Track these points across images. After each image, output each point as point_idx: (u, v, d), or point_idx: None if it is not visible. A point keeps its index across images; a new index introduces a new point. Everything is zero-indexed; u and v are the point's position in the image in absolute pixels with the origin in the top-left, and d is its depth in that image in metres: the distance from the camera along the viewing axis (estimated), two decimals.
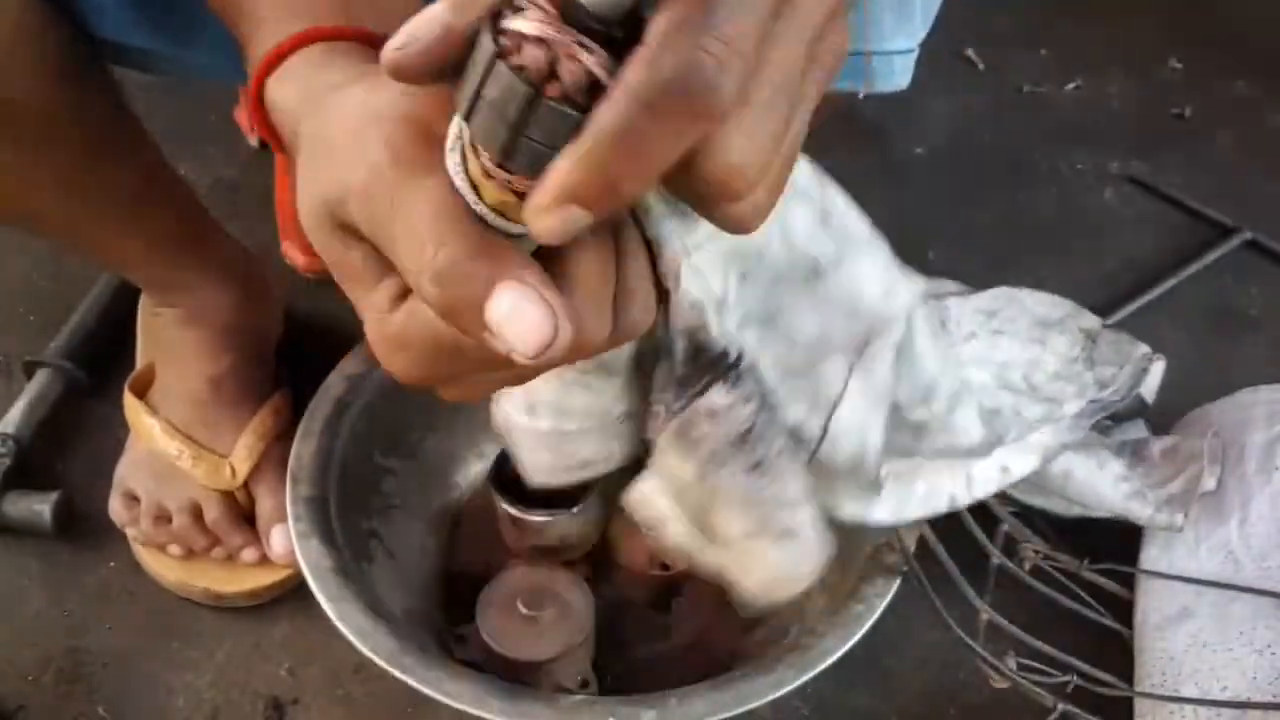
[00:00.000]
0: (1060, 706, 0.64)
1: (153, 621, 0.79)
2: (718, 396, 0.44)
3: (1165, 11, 1.35)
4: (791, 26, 0.29)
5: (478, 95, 0.29)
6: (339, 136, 0.34)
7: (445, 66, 0.30)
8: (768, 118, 0.29)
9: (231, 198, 1.08)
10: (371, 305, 0.35)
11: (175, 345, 0.81)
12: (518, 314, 0.30)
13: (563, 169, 0.28)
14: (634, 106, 0.27)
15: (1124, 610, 0.73)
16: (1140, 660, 0.70)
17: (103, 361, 0.92)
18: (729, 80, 0.27)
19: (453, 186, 0.31)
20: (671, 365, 0.44)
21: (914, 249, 1.05)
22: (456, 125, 0.31)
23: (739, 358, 0.44)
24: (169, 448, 0.79)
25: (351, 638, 0.62)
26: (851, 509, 0.58)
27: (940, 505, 0.64)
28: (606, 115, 0.27)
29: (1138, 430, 0.82)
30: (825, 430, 0.50)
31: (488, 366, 0.35)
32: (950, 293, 0.77)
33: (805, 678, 0.61)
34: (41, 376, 0.90)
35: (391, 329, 0.34)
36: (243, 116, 1.12)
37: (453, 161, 0.31)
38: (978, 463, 0.65)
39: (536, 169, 0.29)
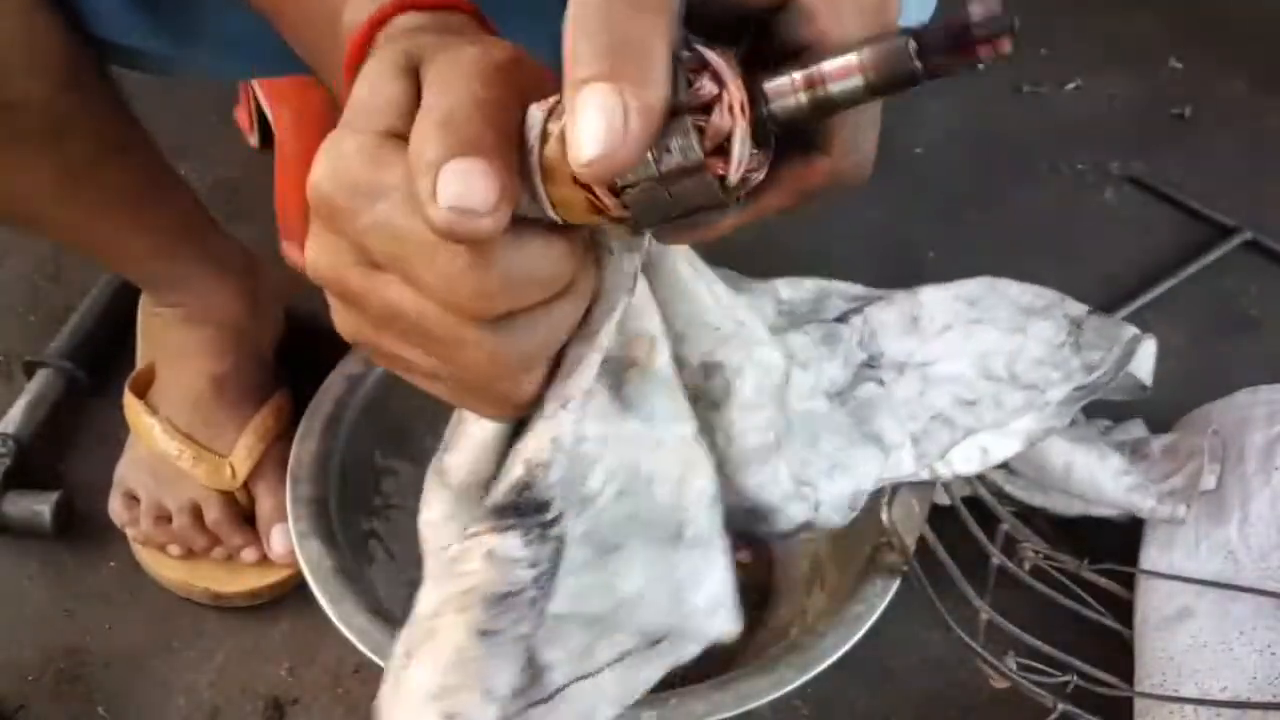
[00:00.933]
0: (1060, 706, 0.64)
1: (153, 621, 0.79)
2: (511, 543, 0.40)
3: (1165, 11, 1.35)
4: None
5: (659, 157, 0.30)
6: (472, 34, 0.36)
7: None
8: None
9: (231, 198, 1.08)
10: (368, 229, 0.33)
11: (175, 345, 0.81)
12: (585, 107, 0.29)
13: (728, 223, 0.36)
14: (784, 200, 0.36)
15: (1124, 610, 0.73)
16: (1140, 660, 0.70)
17: (103, 361, 0.92)
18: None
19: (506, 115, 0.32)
20: (495, 490, 0.40)
21: (913, 249, 1.05)
22: (536, 118, 0.32)
23: (555, 519, 0.41)
24: (169, 448, 0.79)
25: (352, 638, 0.62)
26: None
27: (921, 474, 0.65)
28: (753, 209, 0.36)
29: (1138, 430, 0.82)
30: (559, 689, 0.47)
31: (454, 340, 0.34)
32: (927, 285, 0.77)
33: (805, 678, 0.61)
34: (42, 376, 0.90)
35: (375, 286, 0.34)
36: (243, 116, 1.12)
37: (534, 136, 0.32)
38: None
39: (640, 207, 0.31)
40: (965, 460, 0.68)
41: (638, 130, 0.29)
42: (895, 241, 1.06)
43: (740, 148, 0.30)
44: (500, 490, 0.40)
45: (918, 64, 0.29)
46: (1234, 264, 1.04)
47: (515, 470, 0.39)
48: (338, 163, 0.32)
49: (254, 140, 1.12)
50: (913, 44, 0.29)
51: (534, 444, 0.39)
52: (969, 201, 1.11)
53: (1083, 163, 1.16)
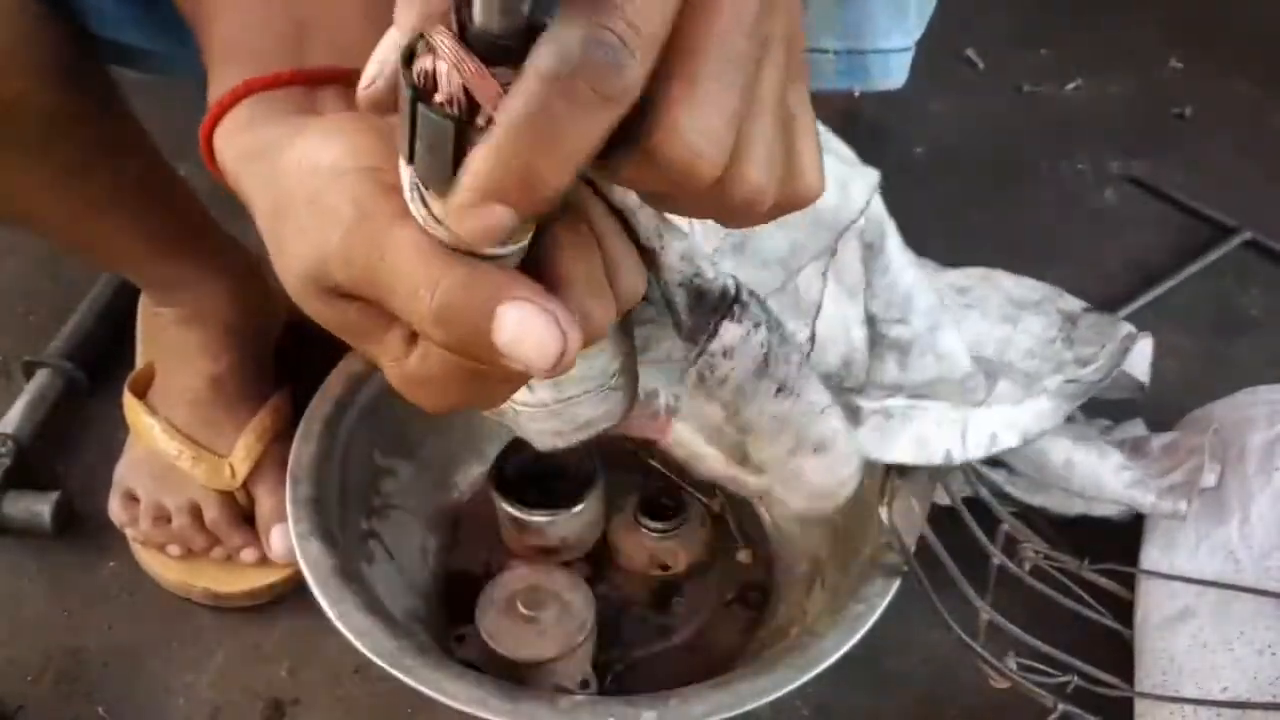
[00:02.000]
0: (1060, 707, 0.64)
1: (152, 621, 0.79)
2: (729, 333, 0.44)
3: (1165, 11, 1.35)
4: (717, 13, 0.28)
5: (412, 138, 0.29)
6: (298, 205, 0.34)
7: None
8: (718, 95, 0.28)
9: (231, 198, 1.08)
10: (385, 353, 0.35)
11: (175, 345, 0.81)
12: (524, 331, 0.30)
13: (477, 166, 0.27)
14: (540, 90, 0.26)
15: (1124, 610, 0.73)
16: (1140, 660, 0.70)
17: (102, 361, 0.92)
18: (632, 58, 0.26)
19: (421, 226, 0.31)
20: (676, 320, 0.44)
21: (914, 248, 1.05)
22: (406, 169, 0.31)
23: (738, 289, 0.45)
24: (169, 448, 0.78)
25: (351, 638, 0.62)
26: (852, 401, 0.60)
27: (936, 457, 0.66)
28: (514, 103, 0.26)
29: (1137, 429, 0.82)
30: (813, 336, 0.52)
31: (511, 379, 0.35)
32: (927, 266, 0.77)
33: (805, 678, 0.61)
34: (41, 376, 0.90)
35: (410, 371, 0.34)
36: None
37: (414, 204, 0.31)
38: (972, 415, 0.66)
39: (430, 179, 0.29)
40: (976, 445, 0.68)
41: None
42: None
43: (437, 43, 0.28)
44: (682, 315, 0.44)
45: None
46: (1234, 264, 1.04)
47: (678, 295, 0.43)
48: (426, 390, 0.35)
49: None
50: None
51: (668, 269, 0.42)
52: (969, 201, 1.11)
53: (1083, 163, 1.16)
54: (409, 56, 0.28)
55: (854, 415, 0.63)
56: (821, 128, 0.48)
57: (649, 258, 0.39)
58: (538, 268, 0.32)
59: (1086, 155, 1.17)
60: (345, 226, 0.32)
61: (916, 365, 0.63)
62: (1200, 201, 1.10)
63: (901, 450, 0.65)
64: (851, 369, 0.56)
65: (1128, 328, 0.75)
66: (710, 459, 0.51)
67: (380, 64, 0.31)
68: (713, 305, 0.44)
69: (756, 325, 0.45)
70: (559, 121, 0.26)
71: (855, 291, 0.55)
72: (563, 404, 0.47)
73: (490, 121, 0.27)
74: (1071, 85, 1.26)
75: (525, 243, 0.32)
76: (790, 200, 0.33)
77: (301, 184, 0.34)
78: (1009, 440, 0.69)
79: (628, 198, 0.38)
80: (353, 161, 0.33)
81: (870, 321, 0.60)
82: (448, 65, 0.27)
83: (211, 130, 0.41)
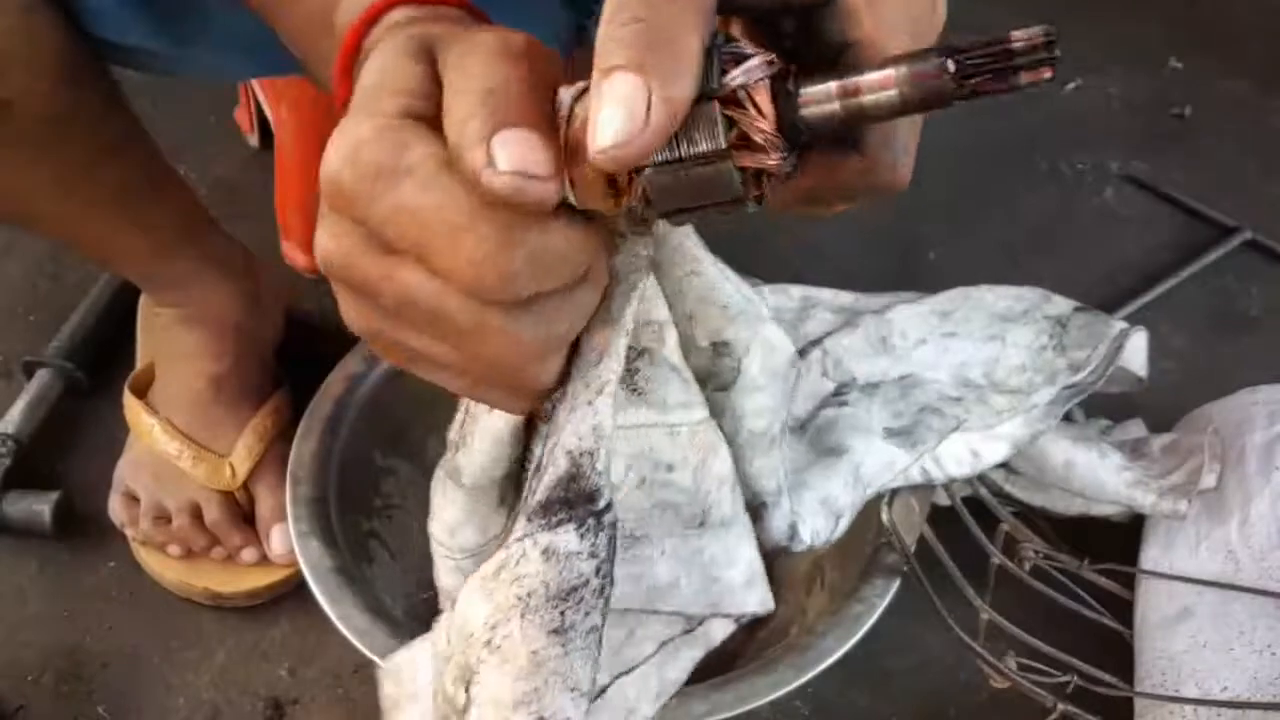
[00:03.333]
0: (1060, 706, 0.64)
1: (152, 621, 0.79)
2: (566, 539, 0.39)
3: (1165, 11, 1.35)
4: None
5: (681, 150, 0.30)
6: (479, 25, 0.34)
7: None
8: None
9: (231, 198, 1.08)
10: (416, 154, 0.32)
11: (175, 345, 0.81)
12: (609, 95, 0.29)
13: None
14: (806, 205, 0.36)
15: (1124, 610, 0.73)
16: (1140, 660, 0.70)
17: (103, 361, 0.92)
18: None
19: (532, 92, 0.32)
20: (537, 487, 0.39)
21: (914, 249, 1.05)
22: (566, 95, 0.32)
23: (608, 506, 0.40)
24: (169, 448, 0.78)
25: (351, 638, 0.62)
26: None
27: (914, 477, 0.65)
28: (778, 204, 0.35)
29: (1137, 429, 0.82)
30: (601, 691, 0.48)
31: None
32: (901, 301, 0.77)
33: (805, 678, 0.61)
34: (41, 376, 0.90)
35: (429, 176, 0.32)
36: (243, 117, 1.12)
37: (563, 109, 0.32)
38: (944, 441, 0.66)
39: (658, 191, 0.30)
40: (957, 463, 0.68)
41: (659, 122, 0.29)
42: (895, 241, 1.06)
43: (763, 140, 0.30)
44: (544, 486, 0.39)
45: (954, 85, 0.29)
46: (1234, 264, 1.04)
47: (558, 463, 0.39)
48: (356, 146, 0.31)
49: (254, 140, 1.12)
50: (951, 64, 0.29)
51: (572, 434, 0.38)
52: (970, 200, 1.11)
53: (1083, 162, 1.16)
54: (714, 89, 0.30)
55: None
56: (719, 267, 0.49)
57: (574, 407, 0.38)
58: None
59: (1086, 155, 1.17)
60: (483, 38, 0.33)
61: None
62: (1200, 201, 1.10)
63: (872, 477, 0.65)
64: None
65: (1119, 325, 0.75)
66: (413, 705, 0.45)
67: (630, 131, 0.29)
68: (576, 498, 0.39)
69: (592, 556, 0.39)
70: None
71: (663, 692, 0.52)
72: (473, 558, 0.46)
73: (741, 168, 0.30)
74: (1071, 85, 1.26)
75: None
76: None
77: (489, 31, 0.34)
78: (995, 454, 0.69)
79: (622, 312, 0.38)
80: (529, 58, 0.33)
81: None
82: (767, 143, 0.30)
83: (366, 27, 0.38)
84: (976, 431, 0.69)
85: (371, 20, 0.37)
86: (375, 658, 0.61)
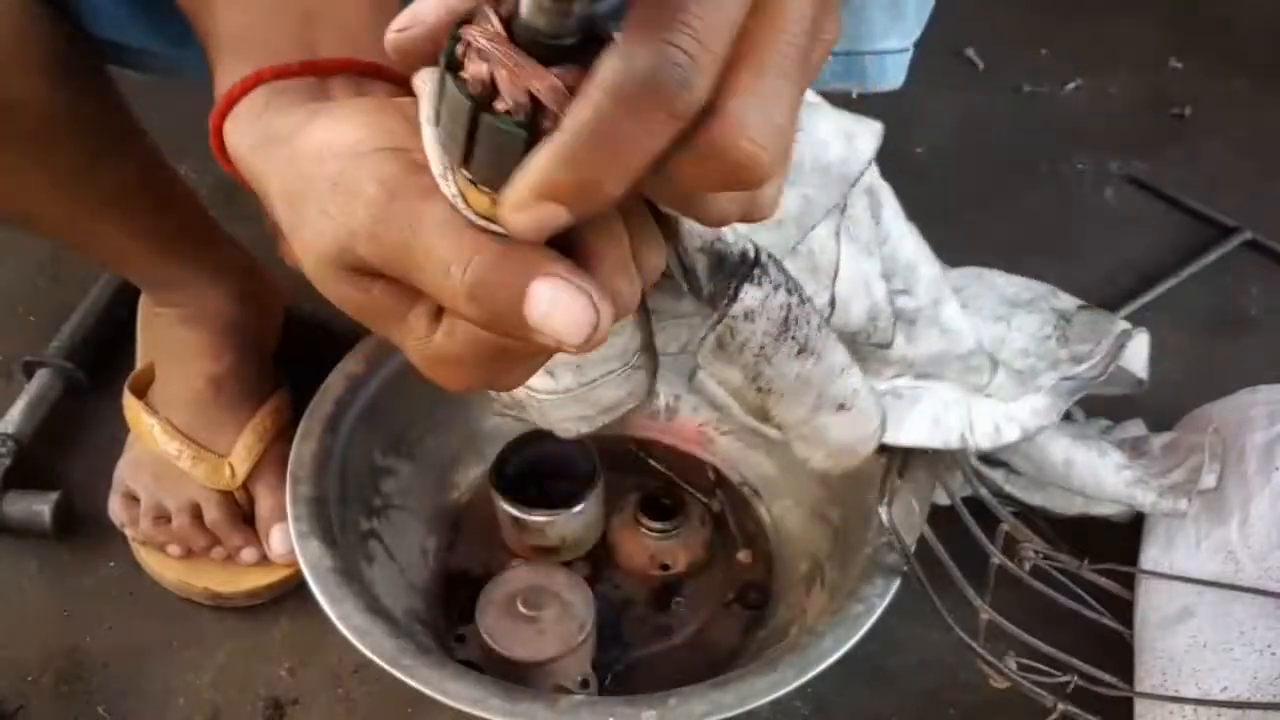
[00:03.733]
0: (1060, 706, 0.64)
1: (152, 621, 0.79)
2: (750, 296, 0.44)
3: (1165, 11, 1.35)
4: (781, 13, 0.28)
5: (469, 143, 0.29)
6: (319, 188, 0.33)
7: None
8: (781, 97, 0.28)
9: (231, 198, 1.08)
10: (409, 333, 0.35)
11: (175, 345, 0.81)
12: (558, 308, 0.30)
13: (540, 165, 0.27)
14: (607, 105, 0.26)
15: (1124, 610, 0.73)
16: (1140, 660, 0.70)
17: (103, 361, 0.92)
18: (700, 75, 0.26)
19: (451, 203, 0.31)
20: (696, 285, 0.44)
21: None
22: (433, 146, 0.31)
23: (757, 252, 0.45)
24: (169, 448, 0.79)
25: (351, 638, 0.62)
26: (876, 355, 0.60)
27: (952, 438, 0.66)
28: (580, 113, 0.27)
29: (1137, 429, 0.82)
30: (833, 300, 0.51)
31: (536, 356, 0.35)
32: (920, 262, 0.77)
33: (805, 678, 0.61)
34: (41, 376, 0.90)
35: (436, 349, 0.34)
36: None
37: (445, 182, 0.31)
38: (975, 402, 0.66)
39: (493, 178, 0.29)
40: (984, 435, 0.68)
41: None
42: None
43: (483, 44, 0.28)
44: (702, 279, 0.43)
45: None
46: (1234, 264, 1.05)
47: (699, 260, 0.43)
48: (450, 370, 0.35)
49: None
50: None
51: (688, 234, 0.42)
52: (969, 201, 1.11)
53: (1083, 163, 1.16)
54: (452, 60, 0.28)
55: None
56: (816, 97, 0.48)
57: (666, 226, 0.39)
58: (567, 245, 0.32)
59: (1086, 155, 1.17)
60: (373, 205, 0.32)
61: (923, 338, 0.63)
62: (1200, 201, 1.10)
63: (914, 430, 0.64)
64: (878, 323, 0.56)
65: (1123, 324, 0.75)
66: (733, 409, 0.51)
67: (413, 15, 0.31)
68: (732, 269, 0.44)
69: (776, 288, 0.45)
70: (623, 135, 0.27)
71: (871, 248, 0.55)
72: (586, 387, 0.47)
73: (556, 122, 0.27)
74: (1071, 85, 1.26)
75: None
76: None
77: (322, 166, 0.34)
78: (1010, 434, 0.69)
79: None
80: (375, 142, 0.33)
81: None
82: (506, 72, 0.27)
83: (222, 120, 0.41)
84: (1001, 401, 0.69)
85: (224, 115, 0.40)
86: (375, 657, 0.61)
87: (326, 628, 0.63)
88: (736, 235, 0.44)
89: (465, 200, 0.31)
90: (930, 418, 0.65)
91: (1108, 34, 1.32)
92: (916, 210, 1.11)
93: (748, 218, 0.32)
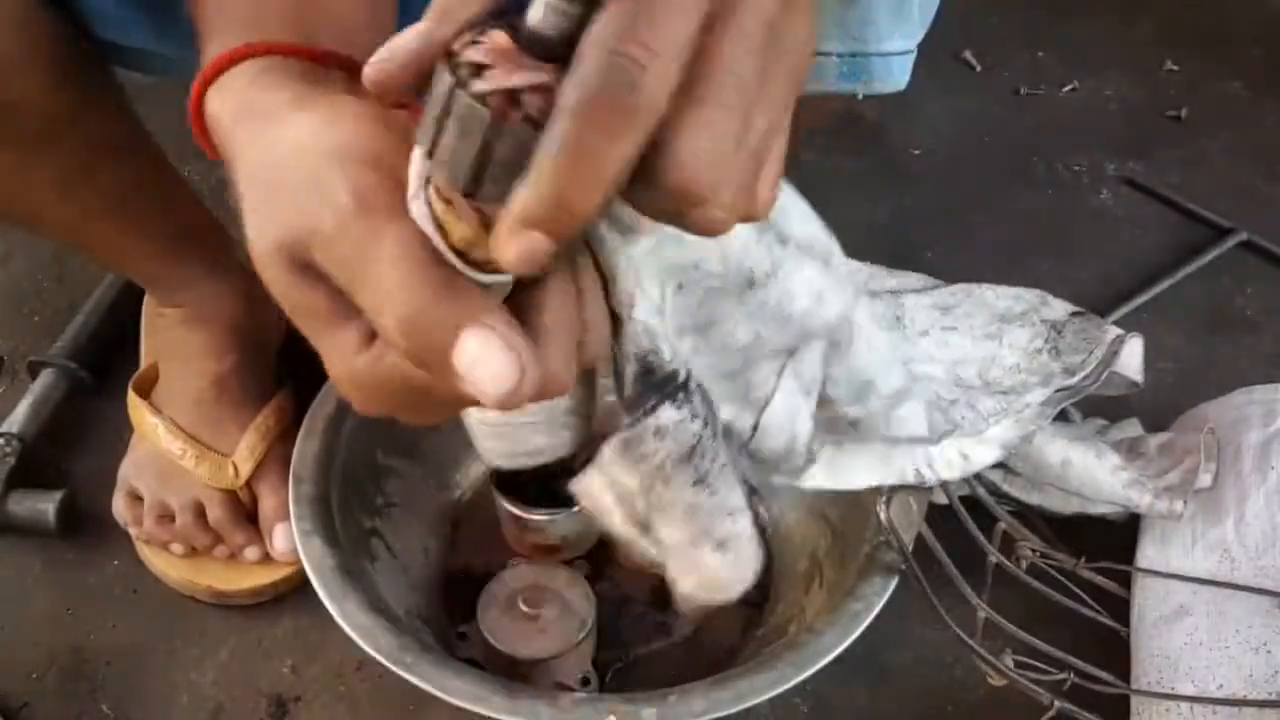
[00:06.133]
0: (1057, 704, 0.64)
1: (156, 620, 0.79)
2: (667, 415, 0.45)
3: (1162, 13, 1.35)
4: (734, 24, 0.28)
5: (440, 128, 0.29)
6: (294, 176, 0.33)
7: (425, 81, 0.30)
8: (722, 118, 0.28)
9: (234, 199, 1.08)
10: (335, 346, 0.34)
11: (179, 345, 0.82)
12: (484, 360, 0.30)
13: (520, 194, 0.28)
14: (569, 119, 0.27)
15: (1121, 608, 0.73)
16: (1137, 658, 0.70)
17: (107, 361, 0.93)
18: (651, 80, 0.27)
19: (418, 232, 0.31)
20: (620, 386, 0.44)
21: (912, 250, 1.06)
22: (420, 164, 0.31)
23: (687, 376, 0.45)
24: (172, 447, 0.79)
25: (354, 636, 0.62)
26: (780, 480, 0.60)
27: (908, 477, 0.66)
28: (550, 133, 0.27)
29: (1133, 429, 0.82)
30: (756, 425, 0.52)
31: (456, 402, 0.34)
32: (911, 288, 0.78)
33: (804, 675, 0.61)
34: (46, 376, 0.91)
35: (359, 370, 0.34)
36: None
37: (418, 204, 0.31)
38: (928, 448, 0.66)
39: (505, 195, 0.29)
40: (947, 466, 0.69)
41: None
42: (894, 241, 1.06)
43: (479, 56, 0.28)
44: (627, 385, 0.44)
45: None
46: (1230, 265, 1.05)
47: (631, 365, 0.44)
48: (367, 394, 0.35)
49: None
50: None
51: (630, 340, 0.43)
52: (968, 202, 1.11)
53: (1080, 164, 1.17)
54: (460, 78, 0.28)
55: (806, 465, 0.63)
56: (792, 192, 0.49)
57: (615, 323, 0.41)
58: (520, 311, 0.32)
59: (1083, 157, 1.17)
60: (341, 213, 0.32)
61: (867, 433, 0.64)
62: (1196, 202, 1.10)
63: (863, 473, 0.65)
64: (791, 457, 0.57)
65: (1114, 331, 0.76)
66: (615, 516, 0.50)
67: (393, 48, 0.31)
68: (658, 384, 0.44)
69: (694, 417, 0.46)
70: (588, 150, 0.27)
71: (810, 389, 0.55)
72: (511, 426, 0.48)
73: (525, 120, 0.28)
74: (1068, 87, 1.26)
75: (509, 278, 0.32)
76: (742, 218, 0.32)
77: (301, 159, 0.34)
78: (985, 457, 0.70)
79: (615, 257, 0.39)
80: (358, 150, 0.33)
81: (826, 404, 0.60)
82: (496, 58, 0.28)
83: (206, 87, 0.40)
84: (967, 436, 0.70)
85: (205, 86, 0.40)
86: (377, 655, 0.61)
87: (329, 626, 0.63)
88: (674, 354, 0.45)
89: (442, 231, 0.31)
90: (878, 457, 0.65)
91: (1104, 36, 1.32)
92: (914, 211, 1.12)
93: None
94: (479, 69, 0.28)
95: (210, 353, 0.81)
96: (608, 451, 0.46)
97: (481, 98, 0.28)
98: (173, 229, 0.78)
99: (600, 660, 0.73)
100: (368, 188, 0.32)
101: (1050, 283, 0.84)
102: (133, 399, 0.81)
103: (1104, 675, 0.68)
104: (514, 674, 0.67)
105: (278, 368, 0.86)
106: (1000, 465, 0.76)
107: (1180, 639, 0.69)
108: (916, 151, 1.18)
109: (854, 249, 1.04)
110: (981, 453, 0.70)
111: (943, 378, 0.73)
